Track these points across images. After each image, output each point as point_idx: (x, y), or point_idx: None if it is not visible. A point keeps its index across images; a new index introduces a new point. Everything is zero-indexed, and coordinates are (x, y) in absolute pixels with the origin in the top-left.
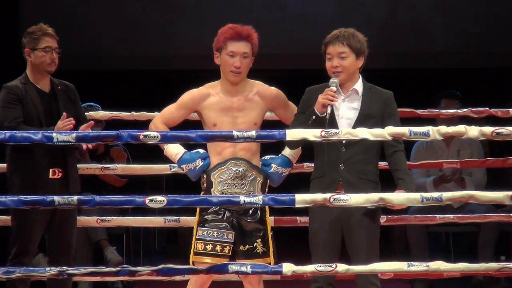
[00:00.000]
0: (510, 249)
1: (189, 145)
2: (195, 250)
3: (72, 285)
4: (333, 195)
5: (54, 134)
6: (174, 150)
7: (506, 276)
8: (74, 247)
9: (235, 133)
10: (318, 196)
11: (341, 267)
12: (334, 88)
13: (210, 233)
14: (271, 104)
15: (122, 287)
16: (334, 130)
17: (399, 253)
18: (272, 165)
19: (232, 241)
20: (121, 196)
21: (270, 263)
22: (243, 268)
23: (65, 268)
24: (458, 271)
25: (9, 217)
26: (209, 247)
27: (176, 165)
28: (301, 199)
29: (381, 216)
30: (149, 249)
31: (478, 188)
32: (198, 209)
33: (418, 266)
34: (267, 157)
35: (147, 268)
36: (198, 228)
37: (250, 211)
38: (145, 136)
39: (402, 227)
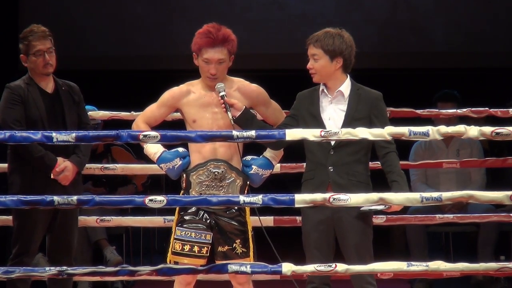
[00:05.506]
0: (510, 249)
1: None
2: (173, 250)
3: (72, 285)
4: (333, 195)
5: (53, 134)
6: (153, 149)
7: (506, 276)
8: (75, 247)
9: (235, 133)
10: (318, 196)
11: (341, 267)
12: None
13: (188, 233)
14: (252, 100)
15: (122, 287)
16: (333, 130)
17: (399, 253)
18: (252, 166)
19: (210, 242)
20: (121, 196)
21: None
22: (243, 268)
23: (64, 268)
24: (457, 271)
25: (9, 217)
26: (187, 247)
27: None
28: (301, 199)
29: (381, 216)
30: (149, 249)
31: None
32: (177, 208)
33: (417, 266)
34: (248, 157)
35: (147, 268)
36: (177, 227)
37: (229, 212)
38: (145, 136)
39: (402, 227)
